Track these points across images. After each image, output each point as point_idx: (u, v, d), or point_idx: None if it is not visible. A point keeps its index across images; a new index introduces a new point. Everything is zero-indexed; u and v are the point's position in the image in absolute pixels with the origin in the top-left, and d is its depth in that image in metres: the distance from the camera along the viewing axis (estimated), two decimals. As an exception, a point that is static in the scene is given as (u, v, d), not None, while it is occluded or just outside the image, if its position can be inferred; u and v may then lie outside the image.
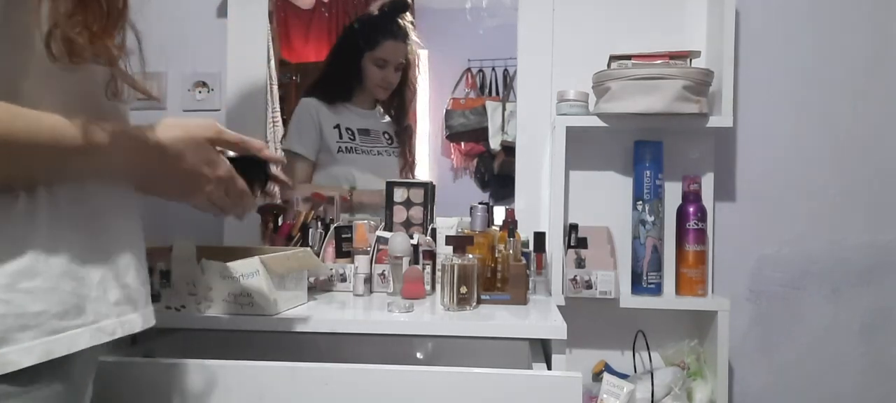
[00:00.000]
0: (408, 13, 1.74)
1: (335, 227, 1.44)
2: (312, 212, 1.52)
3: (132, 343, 1.15)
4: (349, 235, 1.42)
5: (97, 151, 0.70)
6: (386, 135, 1.77)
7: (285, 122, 1.73)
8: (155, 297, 1.12)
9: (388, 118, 1.79)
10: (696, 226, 1.46)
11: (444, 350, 1.21)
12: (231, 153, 0.85)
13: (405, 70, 1.76)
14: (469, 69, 1.76)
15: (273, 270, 1.11)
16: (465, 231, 1.36)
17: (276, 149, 1.70)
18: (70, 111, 0.69)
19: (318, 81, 1.77)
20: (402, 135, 1.78)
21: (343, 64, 1.75)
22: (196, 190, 0.80)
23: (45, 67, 0.68)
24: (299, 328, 1.10)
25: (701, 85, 1.40)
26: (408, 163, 1.78)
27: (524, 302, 1.27)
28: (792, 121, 1.58)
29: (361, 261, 1.35)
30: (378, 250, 1.40)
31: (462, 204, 1.44)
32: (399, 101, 1.78)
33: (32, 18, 0.67)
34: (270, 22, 1.66)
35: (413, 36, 1.75)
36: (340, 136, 1.70)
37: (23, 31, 0.68)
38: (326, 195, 1.55)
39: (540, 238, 1.42)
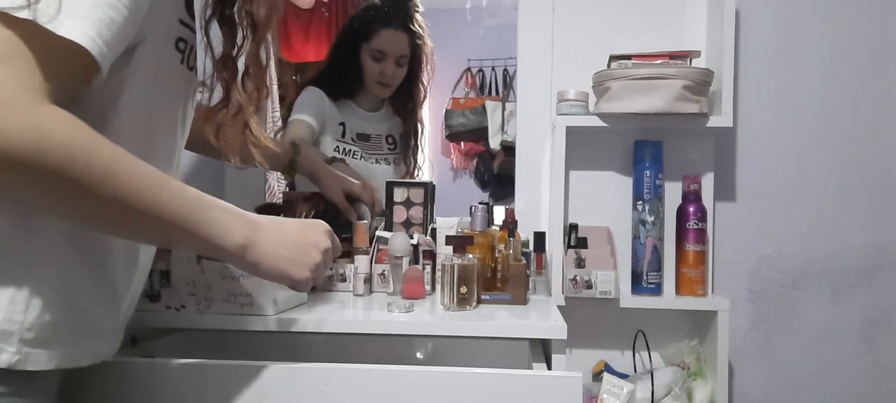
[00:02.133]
0: (415, 1, 1.64)
1: (334, 227, 1.43)
2: (312, 212, 1.52)
3: (132, 344, 1.15)
4: (349, 235, 1.42)
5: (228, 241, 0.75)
6: (389, 140, 1.69)
7: (285, 121, 1.72)
8: (155, 297, 1.13)
9: (397, 119, 1.71)
10: (696, 226, 1.46)
11: (444, 350, 1.21)
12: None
13: (412, 66, 1.66)
14: (469, 69, 1.76)
15: (273, 270, 1.11)
16: (465, 231, 1.36)
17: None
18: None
19: (320, 75, 1.69)
20: (407, 139, 1.70)
21: (342, 57, 1.67)
22: (303, 262, 0.81)
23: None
24: (299, 328, 1.10)
25: (701, 85, 1.40)
26: (409, 172, 1.70)
27: (524, 302, 1.26)
28: (792, 121, 1.58)
29: (361, 261, 1.35)
30: (378, 250, 1.40)
31: (462, 205, 1.44)
32: (405, 100, 1.68)
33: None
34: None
35: (418, 27, 1.64)
36: (343, 135, 1.64)
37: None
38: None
39: (540, 238, 1.42)
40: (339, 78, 1.66)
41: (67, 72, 0.64)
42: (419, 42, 1.66)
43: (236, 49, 0.88)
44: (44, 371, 0.70)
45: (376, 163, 1.68)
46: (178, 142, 0.89)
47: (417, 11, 1.65)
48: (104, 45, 0.64)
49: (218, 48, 0.88)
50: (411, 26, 1.65)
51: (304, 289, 0.83)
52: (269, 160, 1.09)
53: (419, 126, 1.72)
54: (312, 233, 0.83)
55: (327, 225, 0.86)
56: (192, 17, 0.82)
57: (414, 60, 1.67)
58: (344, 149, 1.65)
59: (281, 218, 0.83)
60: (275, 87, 1.73)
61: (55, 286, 0.71)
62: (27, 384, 0.69)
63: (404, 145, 1.72)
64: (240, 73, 0.88)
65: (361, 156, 1.66)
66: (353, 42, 1.65)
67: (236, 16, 0.87)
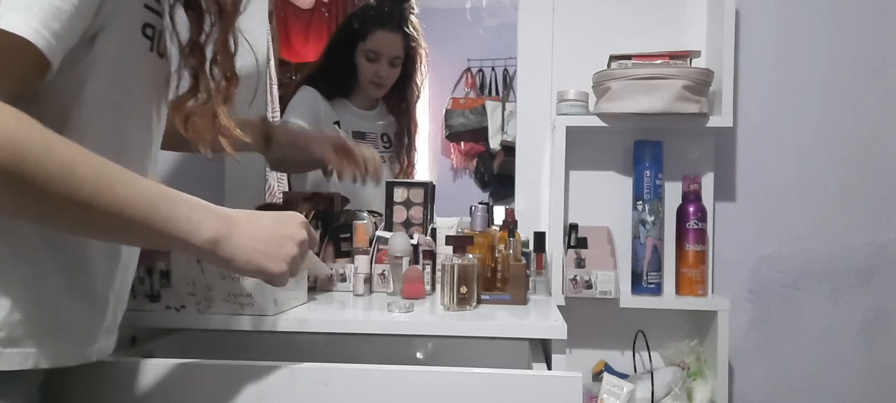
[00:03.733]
0: (410, 3, 1.66)
1: (334, 227, 1.43)
2: (312, 212, 1.52)
3: (132, 344, 1.15)
4: (349, 235, 1.42)
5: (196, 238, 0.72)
6: (384, 138, 1.71)
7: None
8: (155, 297, 1.13)
9: (392, 118, 1.73)
10: (696, 226, 1.46)
11: (444, 350, 1.21)
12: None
13: (407, 66, 1.68)
14: (469, 69, 1.76)
15: (273, 270, 1.11)
16: (465, 231, 1.36)
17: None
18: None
19: (315, 74, 1.70)
20: (401, 138, 1.72)
21: (337, 56, 1.68)
22: (278, 255, 0.78)
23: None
24: (299, 328, 1.10)
25: (701, 85, 1.40)
26: (403, 170, 1.71)
27: (524, 302, 1.26)
28: (792, 121, 1.58)
29: (361, 261, 1.35)
30: (378, 250, 1.40)
31: (462, 205, 1.44)
32: (399, 100, 1.70)
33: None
34: (270, 22, 1.65)
35: (412, 29, 1.66)
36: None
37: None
38: (326, 195, 1.55)
39: (540, 238, 1.42)
40: (334, 77, 1.67)
41: (13, 68, 0.61)
42: (413, 44, 1.67)
43: (203, 35, 0.85)
44: (22, 370, 0.69)
45: None
46: (154, 134, 0.86)
47: (412, 13, 1.67)
48: (51, 37, 0.62)
49: (185, 34, 0.86)
50: (406, 28, 1.66)
51: (280, 284, 0.79)
52: (242, 144, 1.04)
53: (413, 125, 1.73)
54: (287, 225, 0.80)
55: (302, 216, 0.83)
56: (159, 0, 0.80)
57: (408, 61, 1.68)
58: None
59: (254, 212, 0.81)
60: (275, 88, 1.73)
61: (27, 284, 0.69)
62: (5, 384, 0.68)
63: (398, 143, 1.73)
64: (208, 61, 0.86)
65: None
66: (349, 42, 1.66)
67: (202, 1, 0.85)
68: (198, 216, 0.72)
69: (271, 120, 1.32)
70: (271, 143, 1.30)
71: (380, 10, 1.66)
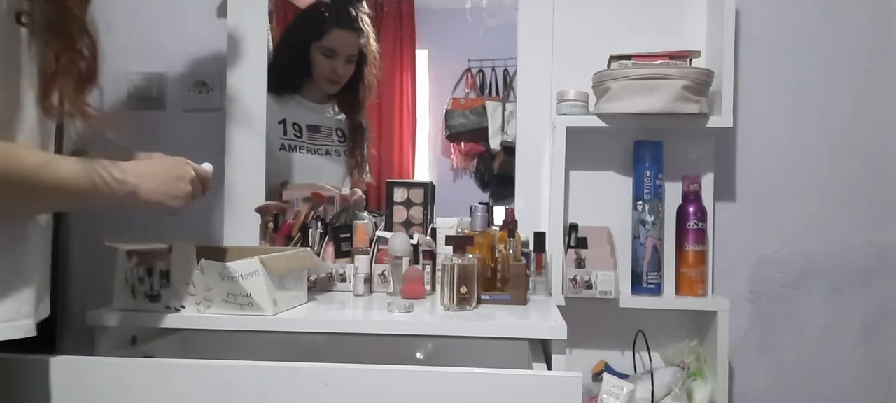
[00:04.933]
0: (363, 3, 1.68)
1: (334, 227, 1.44)
2: (312, 212, 1.52)
3: (132, 343, 1.16)
4: (348, 235, 1.42)
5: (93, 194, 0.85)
6: (338, 132, 1.72)
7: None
8: (155, 297, 1.13)
9: (343, 115, 1.75)
10: (696, 226, 1.46)
11: (444, 350, 1.21)
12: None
13: (360, 64, 1.70)
14: (469, 69, 1.76)
15: (273, 270, 1.11)
16: (465, 231, 1.36)
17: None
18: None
19: (271, 70, 1.67)
20: (354, 134, 1.73)
21: (290, 53, 1.69)
22: (177, 192, 0.95)
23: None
24: (299, 328, 1.10)
25: (701, 85, 1.40)
26: (357, 163, 1.73)
27: (524, 302, 1.27)
28: (792, 121, 1.58)
29: (361, 261, 1.35)
30: (378, 250, 1.40)
31: (462, 205, 1.44)
32: (351, 97, 1.72)
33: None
34: (270, 22, 1.66)
35: (367, 28, 1.69)
36: (285, 133, 1.65)
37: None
38: (326, 195, 1.55)
39: (540, 238, 1.42)
40: (287, 73, 1.68)
41: None
42: (363, 41, 1.69)
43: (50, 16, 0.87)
44: None
45: (327, 154, 1.70)
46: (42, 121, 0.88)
47: (364, 12, 1.69)
48: None
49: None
50: (360, 26, 1.69)
51: (182, 211, 0.96)
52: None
53: (364, 123, 1.75)
54: (178, 168, 0.96)
55: (187, 159, 0.99)
56: None
57: (360, 59, 1.70)
58: (288, 145, 1.66)
59: (149, 162, 0.96)
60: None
61: None
62: None
63: (353, 139, 1.74)
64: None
65: (309, 150, 1.68)
66: (303, 39, 1.68)
67: None
68: (119, 173, 0.88)
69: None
70: None
71: (337, 8, 1.68)
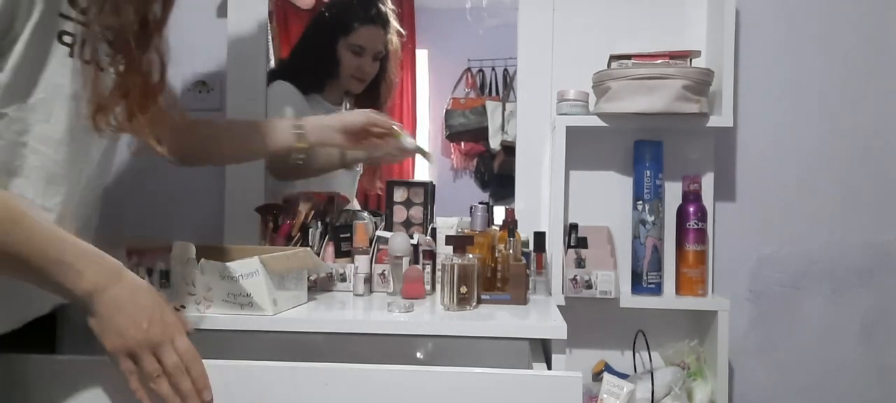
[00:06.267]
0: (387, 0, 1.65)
1: (334, 227, 1.43)
2: (312, 212, 1.52)
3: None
4: (348, 235, 1.42)
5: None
6: None
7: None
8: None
9: None
10: (696, 226, 1.46)
11: (444, 350, 1.21)
12: None
13: (383, 61, 1.67)
14: (469, 69, 1.76)
15: (273, 270, 1.11)
16: (465, 231, 1.36)
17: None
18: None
19: (289, 67, 1.67)
20: None
21: (316, 50, 1.65)
22: (126, 333, 0.77)
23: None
24: (299, 328, 1.10)
25: (701, 85, 1.40)
26: (374, 169, 1.69)
27: (524, 302, 1.26)
28: (792, 121, 1.58)
29: (361, 261, 1.35)
30: (378, 250, 1.40)
31: (462, 205, 1.44)
32: (373, 96, 1.68)
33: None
34: (270, 22, 1.65)
35: (394, 23, 1.66)
36: None
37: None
38: (326, 194, 1.55)
39: (540, 238, 1.42)
40: (312, 71, 1.65)
41: None
42: (391, 37, 1.66)
43: (129, 42, 0.85)
44: None
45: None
46: (83, 139, 0.86)
47: (389, 7, 1.66)
48: None
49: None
50: (390, 22, 1.66)
51: (115, 360, 0.79)
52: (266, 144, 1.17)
53: None
54: (166, 315, 0.80)
55: (185, 325, 0.84)
56: (83, 9, 0.80)
57: (386, 55, 1.67)
58: None
59: (147, 286, 0.82)
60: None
61: None
62: None
63: None
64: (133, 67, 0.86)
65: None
66: (330, 36, 1.64)
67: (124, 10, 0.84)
68: (82, 265, 0.75)
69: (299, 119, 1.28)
70: (303, 130, 1.24)
71: (365, 5, 1.65)
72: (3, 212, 0.72)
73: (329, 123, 1.27)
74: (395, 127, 1.31)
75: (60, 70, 0.80)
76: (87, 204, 0.93)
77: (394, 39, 1.67)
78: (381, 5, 1.65)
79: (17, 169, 0.80)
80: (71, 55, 0.81)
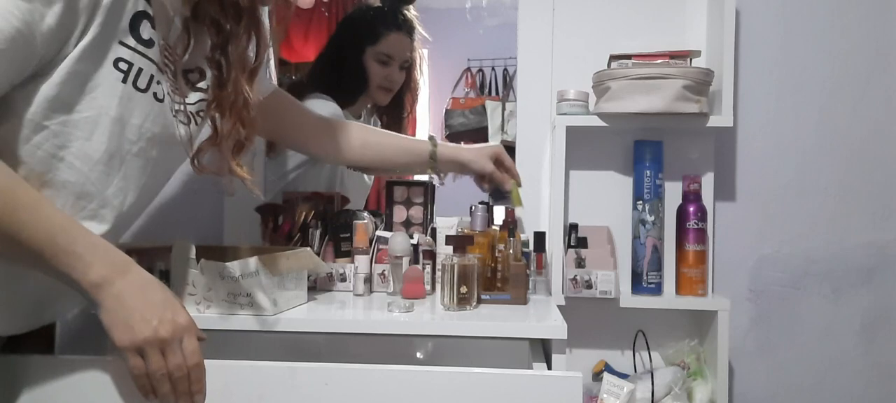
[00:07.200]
0: (411, 6, 1.61)
1: (334, 227, 1.43)
2: (312, 212, 1.52)
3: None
4: (348, 235, 1.42)
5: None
6: None
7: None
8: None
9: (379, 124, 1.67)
10: (696, 226, 1.46)
11: (444, 350, 1.21)
12: None
13: (409, 69, 1.63)
14: (469, 69, 1.76)
15: (273, 270, 1.11)
16: (465, 231, 1.36)
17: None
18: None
19: (324, 80, 1.60)
20: None
21: (345, 61, 1.59)
22: (136, 328, 0.77)
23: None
24: (299, 328, 1.10)
25: (701, 85, 1.40)
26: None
27: (524, 301, 1.26)
28: (792, 121, 1.58)
29: (361, 261, 1.34)
30: (378, 250, 1.40)
31: (462, 204, 1.44)
32: (397, 107, 1.64)
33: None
34: (270, 22, 1.65)
35: (419, 28, 1.61)
36: None
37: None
38: (327, 194, 1.55)
39: (540, 238, 1.42)
40: (342, 85, 1.59)
41: None
42: (417, 44, 1.63)
43: (221, 86, 0.93)
44: None
45: (356, 169, 1.63)
46: (130, 162, 0.88)
47: (413, 13, 1.63)
48: None
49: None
50: (416, 28, 1.62)
51: (124, 356, 0.78)
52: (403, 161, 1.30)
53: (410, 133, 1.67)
54: (178, 314, 0.80)
55: (194, 328, 0.84)
56: (145, 42, 0.84)
57: (411, 64, 1.64)
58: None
59: (155, 281, 0.81)
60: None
61: None
62: None
63: None
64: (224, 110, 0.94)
65: (342, 167, 1.61)
66: (357, 45, 1.59)
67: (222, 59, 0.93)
68: (91, 256, 0.75)
69: (435, 139, 1.36)
70: (436, 161, 1.36)
71: (391, 12, 1.60)
72: (14, 196, 0.71)
73: (457, 149, 1.38)
74: (515, 179, 1.40)
75: (110, 92, 0.81)
76: (118, 229, 0.91)
77: (418, 47, 1.63)
78: (406, 12, 1.60)
79: (50, 181, 0.80)
80: (124, 81, 0.82)
